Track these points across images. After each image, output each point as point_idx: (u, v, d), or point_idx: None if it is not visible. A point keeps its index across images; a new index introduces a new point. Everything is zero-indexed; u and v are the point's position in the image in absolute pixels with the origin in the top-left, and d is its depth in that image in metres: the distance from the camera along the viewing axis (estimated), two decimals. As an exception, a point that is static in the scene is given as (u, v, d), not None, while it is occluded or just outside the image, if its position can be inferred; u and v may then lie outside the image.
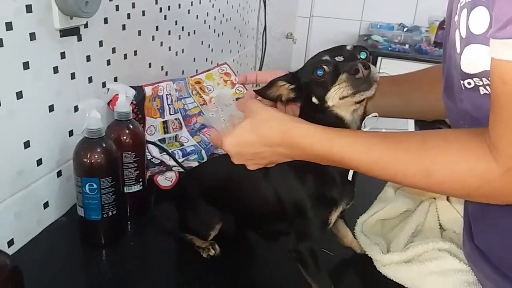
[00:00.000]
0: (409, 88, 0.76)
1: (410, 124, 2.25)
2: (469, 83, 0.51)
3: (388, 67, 2.55)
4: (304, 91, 0.63)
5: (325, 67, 0.59)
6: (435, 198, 0.86)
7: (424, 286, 0.67)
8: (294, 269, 0.66)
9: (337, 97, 0.58)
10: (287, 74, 0.65)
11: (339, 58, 0.59)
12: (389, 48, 2.60)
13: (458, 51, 0.52)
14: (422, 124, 2.72)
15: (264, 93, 0.64)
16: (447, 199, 0.82)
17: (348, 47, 0.60)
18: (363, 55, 0.60)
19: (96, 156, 0.73)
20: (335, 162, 0.56)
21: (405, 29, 2.78)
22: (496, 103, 0.45)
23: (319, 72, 0.59)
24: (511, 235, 0.57)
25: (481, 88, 0.50)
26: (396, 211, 0.84)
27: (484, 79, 0.49)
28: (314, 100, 0.61)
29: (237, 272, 0.74)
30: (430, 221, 0.80)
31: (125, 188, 0.84)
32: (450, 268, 0.66)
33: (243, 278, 0.73)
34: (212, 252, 0.77)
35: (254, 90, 0.67)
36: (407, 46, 2.64)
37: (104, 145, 0.74)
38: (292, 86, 0.64)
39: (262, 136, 0.58)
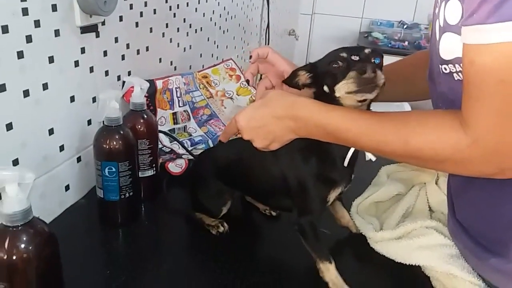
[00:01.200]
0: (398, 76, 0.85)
1: (407, 109, 2.32)
2: (445, 69, 0.59)
3: (387, 63, 2.61)
4: (319, 80, 0.70)
5: (340, 62, 0.65)
6: (425, 183, 0.93)
7: (412, 259, 0.73)
8: (297, 245, 0.73)
9: (343, 91, 0.65)
10: (307, 64, 0.72)
11: (355, 57, 0.65)
12: (389, 45, 2.66)
13: (437, 38, 0.60)
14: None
15: (290, 82, 0.73)
16: (436, 183, 0.89)
17: (366, 50, 0.66)
18: (377, 60, 0.66)
19: (115, 142, 0.80)
20: (330, 133, 0.62)
21: (405, 26, 2.84)
22: (466, 82, 0.52)
23: (334, 65, 0.66)
24: (489, 209, 0.64)
25: (454, 74, 0.58)
26: (389, 194, 0.91)
27: (457, 65, 0.57)
28: (326, 88, 0.68)
29: (244, 248, 0.81)
30: (420, 204, 0.87)
31: (139, 172, 0.91)
32: (435, 243, 0.73)
33: (249, 253, 0.80)
34: (221, 229, 0.84)
35: (282, 81, 0.75)
36: (406, 43, 2.69)
37: (122, 132, 0.81)
38: (310, 75, 0.71)
39: (271, 109, 0.65)
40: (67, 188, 0.89)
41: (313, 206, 0.72)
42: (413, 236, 0.76)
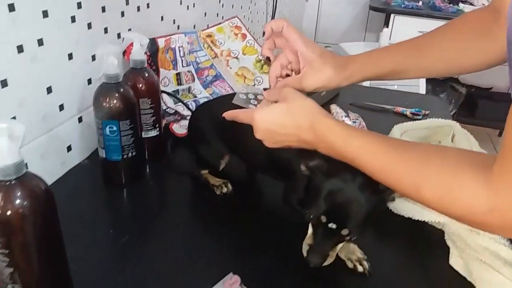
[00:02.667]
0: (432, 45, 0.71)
1: (422, 84, 2.25)
2: None
3: (400, 24, 2.53)
4: None
5: (316, 220, 0.60)
6: (440, 142, 0.89)
7: (432, 215, 0.71)
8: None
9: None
10: None
11: (331, 225, 0.59)
12: (402, 5, 2.56)
13: None
14: (434, 83, 2.71)
15: None
16: (451, 141, 0.85)
17: (344, 232, 0.59)
18: (352, 237, 0.61)
19: (115, 101, 0.77)
20: (350, 161, 0.56)
21: (419, -15, 2.73)
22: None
23: (311, 216, 0.61)
24: None
25: None
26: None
27: None
28: None
29: (248, 208, 0.80)
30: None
31: (142, 133, 0.89)
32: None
33: (252, 213, 0.78)
34: (225, 190, 0.82)
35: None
36: (420, 3, 2.59)
37: (121, 90, 0.78)
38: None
39: (295, 120, 0.59)
40: (69, 148, 0.87)
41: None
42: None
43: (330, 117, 0.59)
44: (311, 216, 0.61)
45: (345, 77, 0.68)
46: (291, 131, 0.59)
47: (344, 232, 0.59)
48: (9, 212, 0.48)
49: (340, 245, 0.62)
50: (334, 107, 1.11)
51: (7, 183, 0.48)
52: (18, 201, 0.48)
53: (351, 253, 0.67)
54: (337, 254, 0.64)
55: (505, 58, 0.59)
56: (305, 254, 0.62)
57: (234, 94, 0.74)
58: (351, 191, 0.58)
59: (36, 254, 0.50)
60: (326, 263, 0.61)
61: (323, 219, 0.59)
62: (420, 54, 0.69)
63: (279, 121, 0.60)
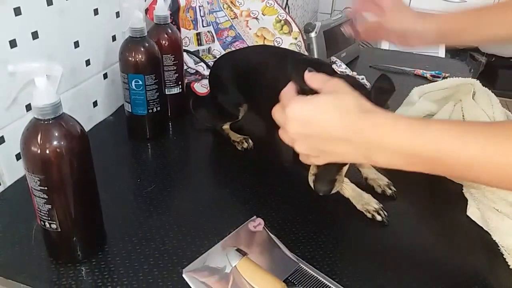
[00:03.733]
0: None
1: (441, 50, 2.21)
2: None
3: (420, 2, 2.46)
4: None
5: None
6: (460, 100, 0.89)
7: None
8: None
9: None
10: None
11: None
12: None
13: None
14: (453, 52, 2.66)
15: None
16: (472, 98, 0.85)
17: None
18: None
19: (140, 55, 0.79)
20: (422, 164, 0.45)
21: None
22: None
23: None
24: None
25: None
26: (419, 114, 0.88)
27: None
28: None
29: (268, 162, 0.82)
30: (454, 119, 0.83)
31: (166, 89, 0.90)
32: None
33: (272, 167, 0.80)
34: (245, 145, 0.84)
35: None
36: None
37: (147, 44, 0.79)
38: None
39: (344, 118, 0.46)
40: (95, 104, 0.89)
41: None
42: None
43: (384, 112, 0.47)
44: None
45: (424, 26, 0.71)
46: (337, 133, 0.46)
47: None
48: (47, 151, 0.50)
49: (345, 168, 0.61)
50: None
51: (46, 123, 0.50)
52: (56, 140, 0.50)
53: (366, 204, 0.69)
54: (355, 207, 0.66)
55: None
56: (311, 184, 0.62)
57: (254, 46, 0.75)
58: None
59: (72, 193, 0.53)
60: (335, 190, 0.61)
61: None
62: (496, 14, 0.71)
63: (321, 116, 0.46)
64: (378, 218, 0.67)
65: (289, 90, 0.52)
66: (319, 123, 0.46)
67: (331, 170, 0.60)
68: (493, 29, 0.72)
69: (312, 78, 0.51)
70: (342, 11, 1.30)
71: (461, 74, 1.22)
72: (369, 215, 0.68)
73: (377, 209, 0.68)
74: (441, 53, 2.18)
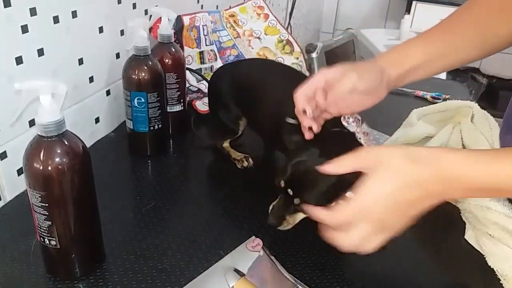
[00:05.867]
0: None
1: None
2: None
3: (422, 11, 2.50)
4: None
5: (279, 182, 0.61)
6: (459, 123, 0.90)
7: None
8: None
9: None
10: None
11: (290, 192, 0.60)
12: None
13: None
14: (454, 73, 2.69)
15: None
16: (471, 121, 0.86)
17: (295, 201, 0.59)
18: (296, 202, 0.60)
19: (143, 73, 0.80)
20: (495, 192, 0.50)
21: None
22: None
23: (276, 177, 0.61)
24: None
25: None
26: (418, 136, 0.88)
27: None
28: None
29: (266, 180, 0.81)
30: (453, 141, 0.84)
31: (168, 107, 0.91)
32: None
33: (271, 184, 0.80)
34: (245, 164, 0.84)
35: None
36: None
37: (150, 62, 0.81)
38: None
39: (414, 187, 0.46)
40: (97, 120, 0.90)
41: None
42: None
43: (453, 152, 0.48)
44: (276, 181, 0.61)
45: (371, 78, 0.60)
46: (411, 205, 0.47)
47: (296, 201, 0.59)
48: (49, 168, 0.51)
49: (300, 215, 0.62)
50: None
51: (49, 140, 0.51)
52: (58, 157, 0.51)
53: None
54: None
55: None
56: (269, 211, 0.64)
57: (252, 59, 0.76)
58: (314, 166, 0.55)
59: (73, 210, 0.53)
60: (282, 227, 0.62)
61: (282, 183, 0.60)
62: (452, 35, 0.66)
63: (394, 201, 0.46)
64: None
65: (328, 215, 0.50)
66: (392, 223, 0.48)
67: (283, 210, 0.61)
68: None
69: (338, 165, 0.50)
70: (343, 32, 1.32)
71: (462, 95, 1.23)
72: None
73: None
74: (442, 74, 2.20)
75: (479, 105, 0.93)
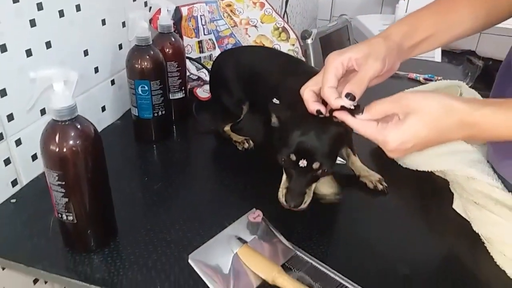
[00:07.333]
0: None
1: (437, 54, 2.26)
2: None
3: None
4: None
5: (287, 161, 0.63)
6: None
7: (435, 165, 0.77)
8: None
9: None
10: (282, 114, 0.67)
11: (302, 163, 0.62)
12: (419, -23, 2.55)
13: None
14: (450, 56, 2.72)
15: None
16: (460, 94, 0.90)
17: (315, 165, 0.62)
18: (323, 170, 0.63)
19: (146, 62, 0.84)
20: None
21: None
22: None
23: (283, 158, 0.64)
24: None
25: None
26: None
27: None
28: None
29: (267, 159, 0.86)
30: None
31: (170, 94, 0.96)
32: (458, 149, 0.75)
33: (271, 163, 0.85)
34: (246, 145, 0.89)
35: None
36: (438, -26, 2.57)
37: (152, 52, 0.85)
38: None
39: (439, 128, 0.51)
40: (103, 109, 0.95)
41: None
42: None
43: (480, 105, 0.51)
44: (283, 159, 0.64)
45: (391, 61, 0.60)
46: (435, 141, 0.53)
47: (315, 165, 0.62)
48: (64, 149, 0.55)
49: (314, 184, 0.65)
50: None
51: (62, 124, 0.55)
52: (72, 140, 0.56)
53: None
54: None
55: None
56: (282, 198, 0.66)
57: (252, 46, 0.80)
58: (314, 131, 0.61)
59: (87, 187, 0.58)
60: (304, 205, 0.64)
61: (293, 157, 0.62)
62: (460, 5, 0.68)
63: (421, 139, 0.52)
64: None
65: (375, 133, 0.54)
66: (419, 145, 0.52)
67: (302, 184, 0.64)
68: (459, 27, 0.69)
69: (373, 111, 0.54)
70: (337, 18, 1.36)
71: (454, 77, 1.26)
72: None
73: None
74: (437, 57, 2.23)
75: (475, 87, 0.97)
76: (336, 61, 0.58)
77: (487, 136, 0.52)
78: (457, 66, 2.67)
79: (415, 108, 0.51)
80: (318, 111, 0.58)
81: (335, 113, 0.56)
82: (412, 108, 0.51)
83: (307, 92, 0.60)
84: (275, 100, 0.70)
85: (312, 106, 0.59)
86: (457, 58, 2.72)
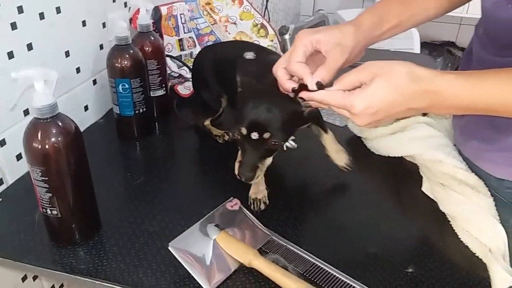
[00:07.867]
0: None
1: (416, 45, 2.30)
2: None
3: None
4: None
5: (239, 135, 0.64)
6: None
7: (404, 150, 0.81)
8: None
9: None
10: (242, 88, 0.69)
11: (254, 135, 0.63)
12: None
13: None
14: (430, 48, 2.77)
15: None
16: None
17: (266, 135, 0.63)
18: (275, 142, 0.64)
19: (126, 61, 0.87)
20: (480, 109, 0.53)
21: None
22: None
23: (235, 132, 0.65)
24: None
25: None
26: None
27: None
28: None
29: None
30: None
31: (151, 92, 0.98)
32: (425, 135, 0.80)
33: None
34: (226, 138, 0.92)
35: None
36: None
37: (131, 51, 0.88)
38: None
39: (404, 93, 0.51)
40: (86, 108, 0.97)
41: None
42: (405, 130, 0.82)
43: (442, 73, 0.52)
44: (235, 133, 0.65)
45: (357, 52, 0.64)
46: (400, 108, 0.53)
47: (266, 135, 0.62)
48: (46, 146, 0.58)
49: (269, 159, 0.67)
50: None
51: (44, 121, 0.58)
52: (53, 137, 0.58)
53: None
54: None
55: None
56: (236, 171, 0.66)
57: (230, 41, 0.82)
58: (267, 104, 0.62)
59: (69, 182, 0.61)
60: (256, 177, 0.65)
61: (244, 131, 0.63)
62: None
63: (386, 103, 0.52)
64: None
65: (340, 97, 0.55)
66: (384, 109, 0.53)
67: (254, 157, 0.65)
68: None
69: (344, 81, 0.55)
70: (314, 13, 1.39)
71: (434, 68, 1.31)
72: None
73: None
74: (417, 49, 2.28)
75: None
76: (306, 39, 0.60)
77: (449, 104, 0.52)
78: (438, 57, 2.73)
79: (381, 72, 0.52)
80: (294, 89, 0.60)
81: (302, 94, 0.58)
82: (378, 73, 0.52)
83: (280, 70, 0.61)
84: (250, 54, 0.71)
85: (287, 84, 0.60)
86: (437, 49, 2.77)
